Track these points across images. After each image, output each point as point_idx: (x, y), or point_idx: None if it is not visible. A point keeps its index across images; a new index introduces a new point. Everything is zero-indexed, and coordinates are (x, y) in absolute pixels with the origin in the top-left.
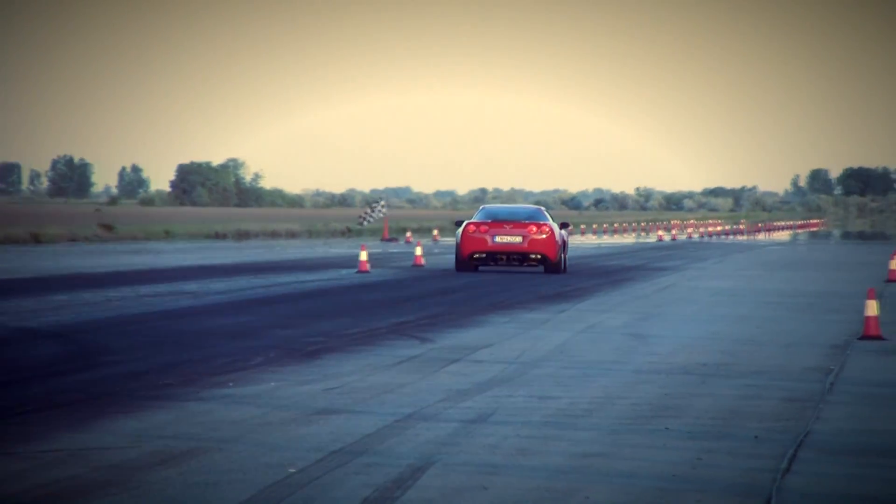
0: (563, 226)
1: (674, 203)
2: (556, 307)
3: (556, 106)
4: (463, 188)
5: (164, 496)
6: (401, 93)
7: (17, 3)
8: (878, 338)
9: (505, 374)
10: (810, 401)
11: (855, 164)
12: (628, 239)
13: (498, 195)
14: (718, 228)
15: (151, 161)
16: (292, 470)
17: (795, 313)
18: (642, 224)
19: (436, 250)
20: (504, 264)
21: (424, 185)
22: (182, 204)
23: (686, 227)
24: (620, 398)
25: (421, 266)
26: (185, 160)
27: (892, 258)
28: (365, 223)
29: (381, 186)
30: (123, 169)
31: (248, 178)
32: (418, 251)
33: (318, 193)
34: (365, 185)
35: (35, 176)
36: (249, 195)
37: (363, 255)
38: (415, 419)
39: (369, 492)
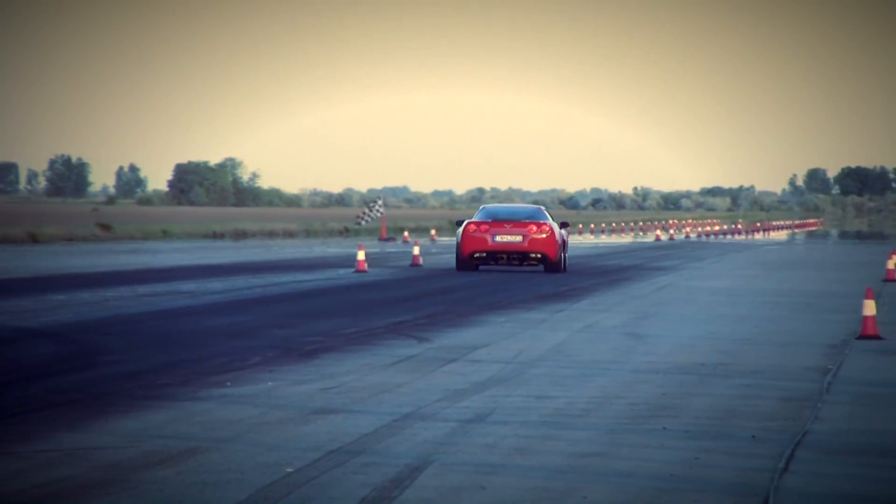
0: (563, 225)
1: (671, 203)
2: (554, 307)
3: (554, 106)
4: (461, 188)
5: (162, 496)
6: (399, 92)
7: (15, 2)
8: (876, 337)
9: (503, 374)
10: (808, 400)
11: (853, 164)
12: (626, 239)
13: (496, 195)
14: (716, 228)
15: (149, 161)
16: (290, 470)
17: (793, 313)
18: (640, 224)
19: (433, 250)
20: (504, 264)
21: (422, 184)
22: (179, 203)
23: (684, 226)
24: (618, 398)
25: (419, 266)
26: (183, 160)
27: (890, 258)
28: (363, 223)
29: (378, 186)
30: (121, 168)
31: (245, 177)
32: (416, 251)
33: (315, 193)
34: (362, 185)
35: (32, 176)
36: (247, 195)
37: (361, 255)
38: (412, 419)
39: (367, 491)
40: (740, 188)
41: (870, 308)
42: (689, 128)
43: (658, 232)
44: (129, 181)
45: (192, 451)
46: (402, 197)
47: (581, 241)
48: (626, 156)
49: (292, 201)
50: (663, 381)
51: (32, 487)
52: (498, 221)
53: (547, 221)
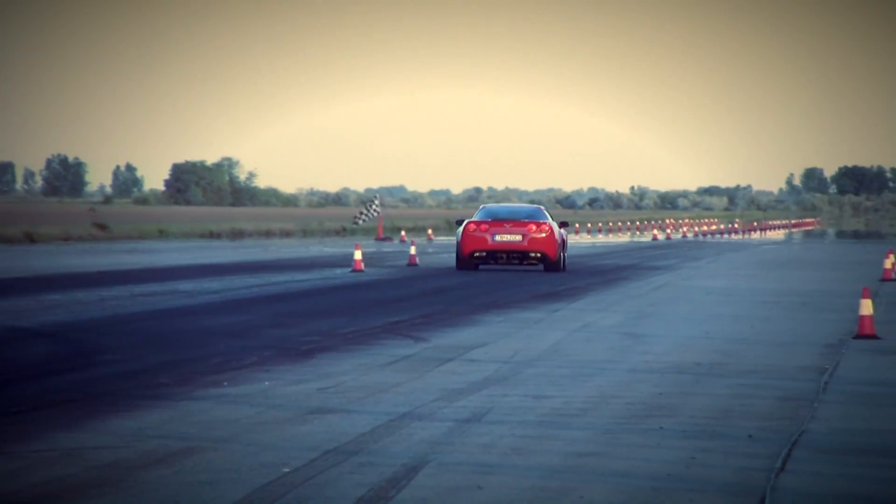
0: (563, 225)
1: (668, 202)
2: (551, 306)
3: (551, 105)
4: (457, 187)
5: (159, 495)
6: (396, 92)
7: (12, 2)
8: (873, 337)
9: (499, 374)
10: (805, 400)
11: (849, 163)
12: (623, 238)
13: (493, 194)
14: (713, 227)
15: (146, 160)
16: (287, 469)
17: (790, 312)
18: (637, 223)
19: (430, 249)
20: (504, 263)
21: (419, 184)
22: (176, 203)
23: (681, 226)
24: (615, 397)
25: (415, 265)
26: (180, 159)
27: (887, 257)
28: (360, 222)
29: (375, 185)
30: (118, 168)
31: (242, 177)
32: (413, 250)
33: (312, 192)
34: (359, 185)
35: (29, 175)
36: (244, 194)
37: (357, 255)
38: (409, 418)
39: (364, 491)
40: (737, 187)
41: (867, 307)
42: (687, 127)
43: (655, 231)
44: (126, 181)
45: (188, 451)
46: (398, 196)
47: (578, 241)
48: (623, 155)
49: (289, 201)
50: (660, 381)
51: (30, 487)
52: (498, 221)
53: (546, 221)
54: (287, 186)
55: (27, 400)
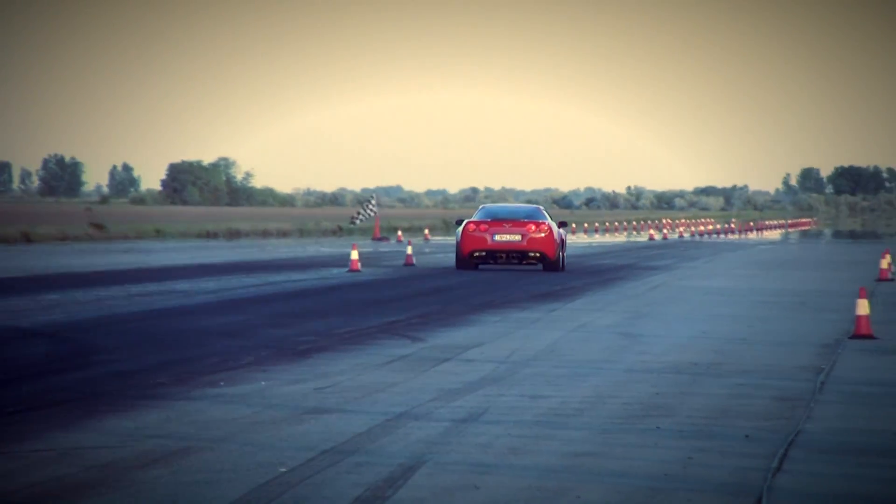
0: (562, 225)
1: (665, 202)
2: (548, 306)
3: (548, 105)
4: (454, 187)
5: (156, 495)
6: (392, 92)
7: (8, 2)
8: (870, 337)
9: (496, 374)
10: (801, 400)
11: (846, 163)
12: (620, 238)
13: (489, 194)
14: (710, 227)
15: (142, 160)
16: (283, 469)
17: (786, 312)
18: (633, 223)
19: (427, 249)
20: (504, 262)
21: (416, 184)
22: (173, 203)
23: (677, 226)
24: (612, 397)
25: (412, 265)
26: (176, 159)
27: (883, 257)
28: (357, 222)
29: (372, 185)
30: (114, 168)
31: (239, 177)
32: (409, 250)
33: (308, 192)
34: (356, 184)
35: (26, 175)
36: (240, 194)
37: (354, 255)
38: (406, 418)
39: (360, 491)
40: (734, 187)
41: (863, 307)
42: (683, 127)
43: (652, 231)
44: (123, 180)
45: (185, 451)
46: (395, 196)
47: (575, 241)
48: (620, 155)
49: (286, 201)
50: (657, 381)
51: (27, 487)
52: (497, 221)
53: (545, 221)
54: (284, 186)
55: (25, 400)
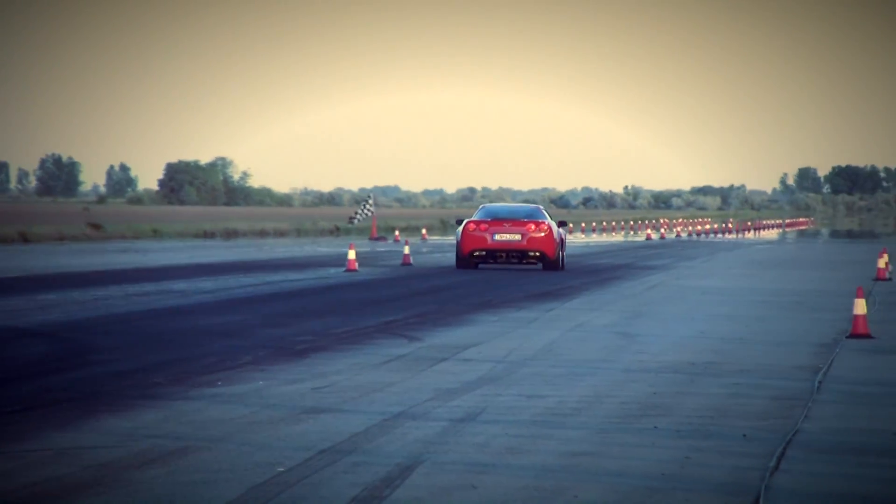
0: (561, 224)
1: (662, 202)
2: (545, 306)
3: (545, 105)
4: (451, 187)
5: (153, 495)
6: (389, 92)
7: (5, 2)
8: (867, 336)
9: (493, 373)
10: (799, 399)
11: (843, 163)
12: (617, 238)
13: (486, 194)
14: (707, 227)
15: (139, 160)
16: (281, 469)
17: (784, 312)
18: (631, 223)
19: (424, 249)
20: (504, 262)
21: (413, 183)
22: (170, 203)
23: (674, 225)
24: (609, 397)
25: (409, 265)
26: (174, 159)
27: (881, 256)
28: (355, 221)
29: (369, 185)
30: (111, 168)
31: (236, 176)
32: (406, 250)
33: (306, 192)
34: (353, 184)
35: (23, 175)
36: (238, 194)
37: (351, 254)
38: (403, 418)
39: (358, 490)
40: (731, 187)
41: (860, 307)
42: (680, 127)
43: (649, 231)
44: (120, 180)
45: (183, 451)
46: (392, 196)
47: (572, 241)
48: (617, 155)
49: (283, 200)
50: (654, 381)
51: (22, 487)
52: (497, 220)
53: (545, 220)
54: (281, 186)
55: (22, 399)
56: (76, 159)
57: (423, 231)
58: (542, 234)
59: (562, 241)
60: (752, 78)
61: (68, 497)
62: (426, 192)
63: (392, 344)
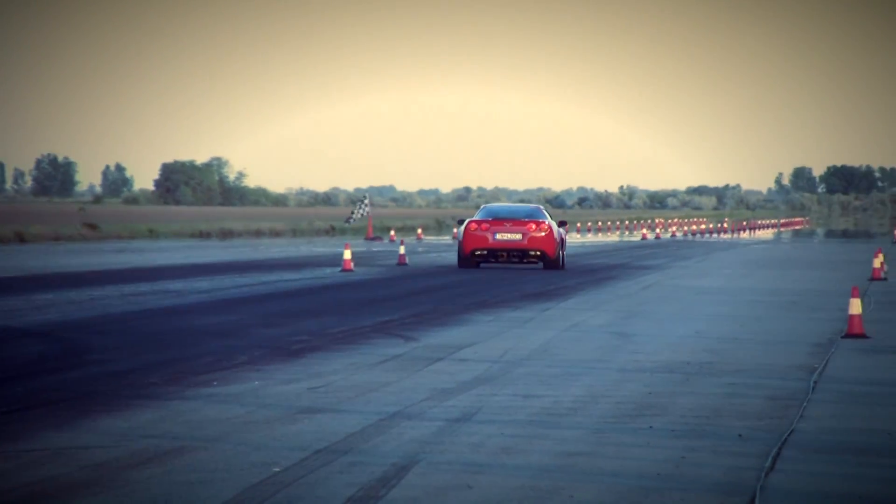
0: (562, 224)
1: (658, 201)
2: (541, 305)
3: (541, 105)
4: (447, 187)
5: (149, 495)
6: (385, 92)
7: (2, 2)
8: (862, 336)
9: (489, 373)
10: (794, 399)
11: (838, 163)
12: (612, 237)
13: (482, 194)
14: (702, 227)
15: (135, 160)
16: (277, 469)
17: (779, 312)
18: (626, 222)
19: (420, 249)
20: (504, 261)
21: (408, 183)
22: (166, 203)
23: (670, 225)
24: (604, 397)
25: (405, 265)
26: (169, 159)
27: (876, 256)
28: (352, 221)
29: (364, 185)
30: (107, 168)
31: (231, 176)
32: (402, 250)
33: (301, 192)
34: (349, 184)
35: (19, 175)
36: (233, 194)
37: (347, 254)
38: (399, 418)
39: (354, 490)
40: (726, 187)
41: (856, 306)
42: (676, 127)
43: (644, 231)
44: (116, 180)
45: (179, 451)
46: (388, 196)
47: (568, 241)
48: (613, 155)
49: (279, 200)
50: (650, 380)
51: (19, 487)
52: (498, 220)
53: (545, 220)
54: (276, 186)
55: (18, 399)
56: (72, 159)
57: (419, 231)
58: (543, 234)
59: (562, 241)
60: (748, 78)
61: (64, 497)
62: (422, 192)
63: (388, 344)
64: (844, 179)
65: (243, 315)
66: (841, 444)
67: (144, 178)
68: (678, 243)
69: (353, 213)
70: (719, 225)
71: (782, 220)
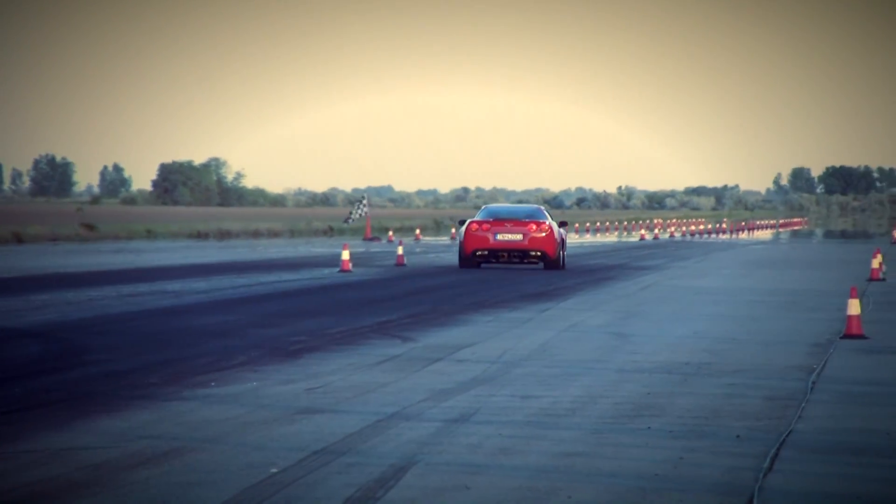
0: (562, 224)
1: (656, 202)
2: (539, 306)
3: (539, 105)
4: (445, 187)
5: (147, 496)
6: (383, 92)
7: None
8: (861, 336)
9: (487, 374)
10: (792, 399)
11: (837, 163)
12: (611, 238)
13: (480, 195)
14: (701, 227)
15: (133, 160)
16: (274, 470)
17: (777, 312)
18: (624, 223)
19: (418, 249)
20: (505, 261)
21: (407, 184)
22: (164, 203)
23: (668, 225)
24: (603, 397)
25: (403, 265)
26: (167, 159)
27: (875, 257)
28: (350, 222)
29: (363, 185)
30: (105, 168)
31: (229, 177)
32: (400, 250)
33: (299, 192)
34: (347, 185)
35: (17, 175)
36: (231, 194)
37: (345, 255)
38: (397, 419)
39: (352, 491)
40: (725, 187)
41: (854, 307)
42: (674, 127)
43: (643, 231)
44: (114, 181)
45: (177, 451)
46: (386, 196)
47: (567, 241)
48: (611, 155)
49: (277, 201)
50: (648, 381)
51: (17, 487)
52: (499, 220)
53: (546, 221)
54: (274, 186)
55: (17, 400)
56: (70, 159)
57: (417, 231)
58: (543, 234)
59: (562, 241)
60: (746, 78)
61: (63, 497)
62: (420, 193)
63: (386, 344)
64: (843, 180)
65: (241, 315)
66: (839, 444)
67: (142, 178)
68: (676, 244)
69: (351, 213)
70: (718, 225)
71: (781, 221)
